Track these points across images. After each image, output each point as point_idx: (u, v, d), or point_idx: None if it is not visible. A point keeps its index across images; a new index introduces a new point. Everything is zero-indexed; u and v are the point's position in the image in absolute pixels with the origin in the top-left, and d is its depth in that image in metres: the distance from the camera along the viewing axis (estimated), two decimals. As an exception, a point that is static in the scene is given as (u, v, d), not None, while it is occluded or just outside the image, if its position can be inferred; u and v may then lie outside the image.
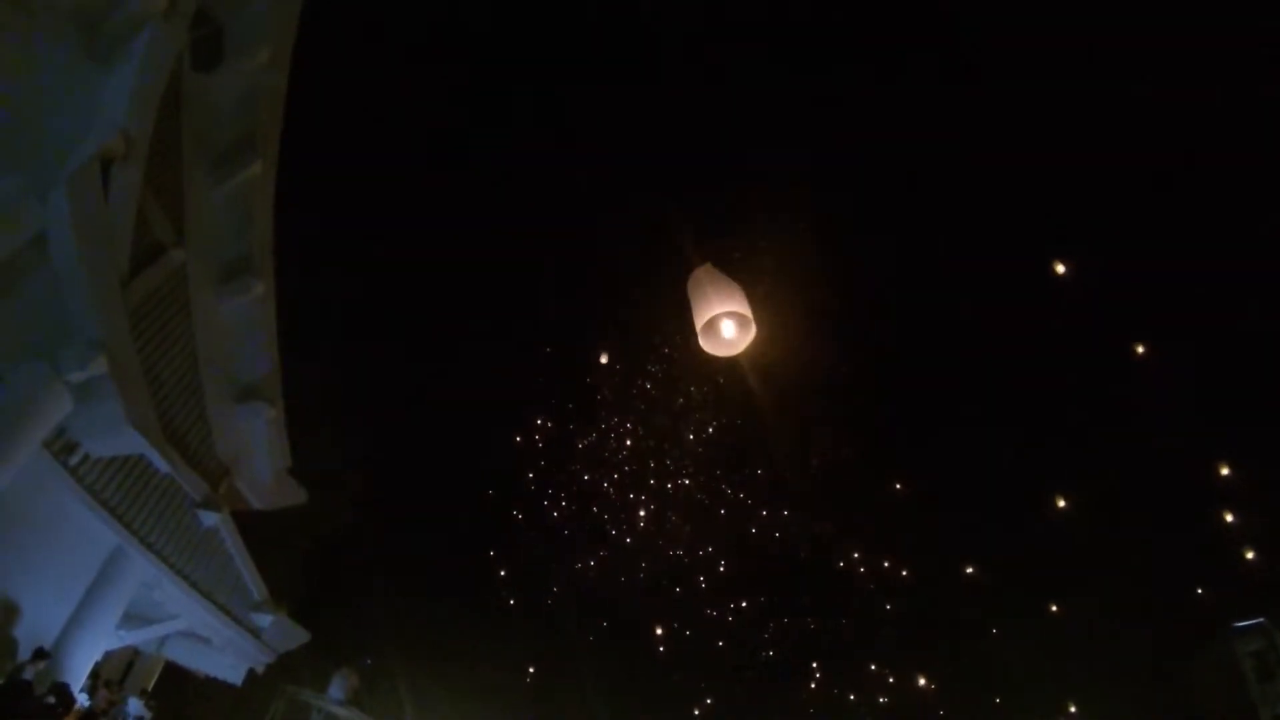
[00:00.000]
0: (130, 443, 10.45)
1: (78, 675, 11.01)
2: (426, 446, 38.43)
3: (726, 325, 7.42)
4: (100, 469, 10.76)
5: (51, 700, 9.66)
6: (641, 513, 45.24)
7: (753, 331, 7.38)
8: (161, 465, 11.32)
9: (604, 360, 38.16)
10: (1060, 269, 26.29)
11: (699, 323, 7.47)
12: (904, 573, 42.93)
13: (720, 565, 46.40)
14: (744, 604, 46.74)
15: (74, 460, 10.19)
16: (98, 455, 10.54)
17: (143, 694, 14.38)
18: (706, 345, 7.42)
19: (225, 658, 15.50)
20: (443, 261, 34.15)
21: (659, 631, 45.41)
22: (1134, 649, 31.24)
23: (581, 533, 45.30)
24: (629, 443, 43.89)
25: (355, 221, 29.32)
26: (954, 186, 30.25)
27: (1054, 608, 35.96)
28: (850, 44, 29.54)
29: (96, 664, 12.11)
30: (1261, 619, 16.67)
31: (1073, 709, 36.52)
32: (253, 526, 15.72)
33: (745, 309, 7.36)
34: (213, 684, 17.04)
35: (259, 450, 16.35)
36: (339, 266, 27.89)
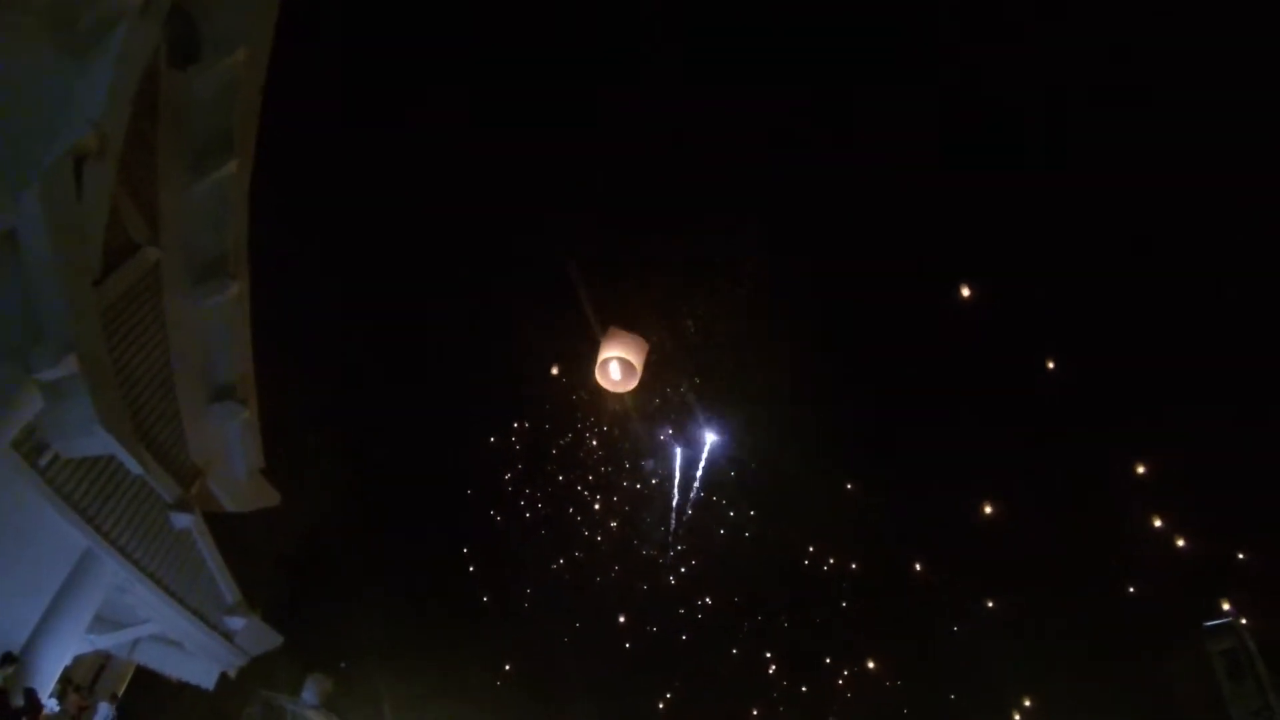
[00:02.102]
0: (101, 443, 10.29)
1: (47, 679, 10.82)
2: (402, 448, 38.30)
3: (614, 368, 9.13)
4: (70, 470, 10.60)
5: (20, 704, 9.50)
6: (612, 516, 45.85)
7: (636, 378, 9.96)
8: (133, 466, 11.15)
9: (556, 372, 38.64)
10: (967, 291, 27.40)
11: (597, 362, 9.95)
12: (855, 566, 44.03)
13: (690, 563, 47.07)
14: (709, 600, 47.49)
15: (44, 461, 10.03)
16: (68, 456, 10.38)
17: (113, 698, 14.16)
18: (601, 381, 9.95)
19: (197, 662, 15.30)
20: (421, 263, 34.07)
21: (627, 627, 46.02)
22: (1103, 648, 31.91)
23: (556, 534, 45.68)
24: (600, 450, 44.45)
25: (331, 221, 29.09)
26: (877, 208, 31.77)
27: (1015, 607, 36.82)
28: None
29: (66, 668, 11.92)
30: (1230, 617, 17.07)
31: (1027, 703, 37.18)
32: (226, 529, 15.55)
33: (634, 357, 9.76)
34: (185, 688, 16.81)
35: (232, 451, 16.17)
36: (315, 267, 27.65)
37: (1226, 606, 23.76)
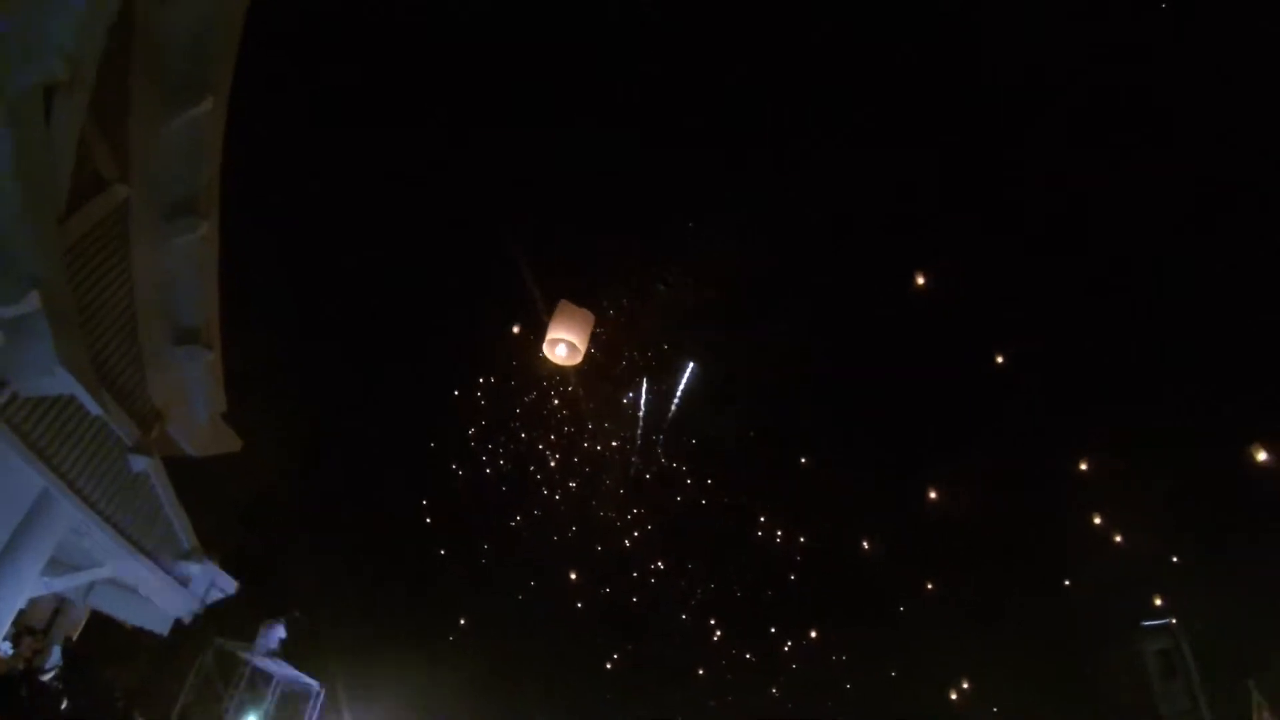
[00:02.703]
0: (62, 383, 10.05)
1: (1, 623, 10.68)
2: (365, 400, 38.07)
3: (560, 347, 10.42)
4: (29, 409, 10.35)
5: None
6: (572, 476, 46.27)
7: (580, 355, 10.57)
8: (93, 407, 10.92)
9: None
10: (921, 280, 28.15)
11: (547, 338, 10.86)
12: (804, 541, 45.38)
13: (646, 528, 47.83)
14: (661, 565, 48.43)
15: (2, 400, 9.77)
16: (27, 395, 10.12)
17: (67, 642, 14.02)
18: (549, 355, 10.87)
19: (152, 607, 15.18)
20: (396, 211, 33.56)
21: (579, 586, 46.86)
22: (1042, 638, 33.28)
23: (515, 490, 45.98)
24: (563, 410, 44.69)
25: (308, 167, 28.42)
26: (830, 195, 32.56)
27: (959, 592, 38.30)
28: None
29: (21, 611, 11.77)
30: (1170, 619, 17.82)
31: (965, 685, 38.75)
32: (185, 474, 15.36)
33: (578, 339, 11.07)
34: (140, 634, 16.70)
35: (195, 395, 15.89)
36: (286, 213, 27.04)
37: (1159, 602, 24.91)
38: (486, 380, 43.99)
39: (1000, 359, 30.66)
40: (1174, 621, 17.67)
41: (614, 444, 46.51)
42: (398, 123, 31.54)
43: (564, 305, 12.08)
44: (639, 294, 40.15)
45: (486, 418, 44.63)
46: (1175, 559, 27.92)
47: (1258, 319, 25.33)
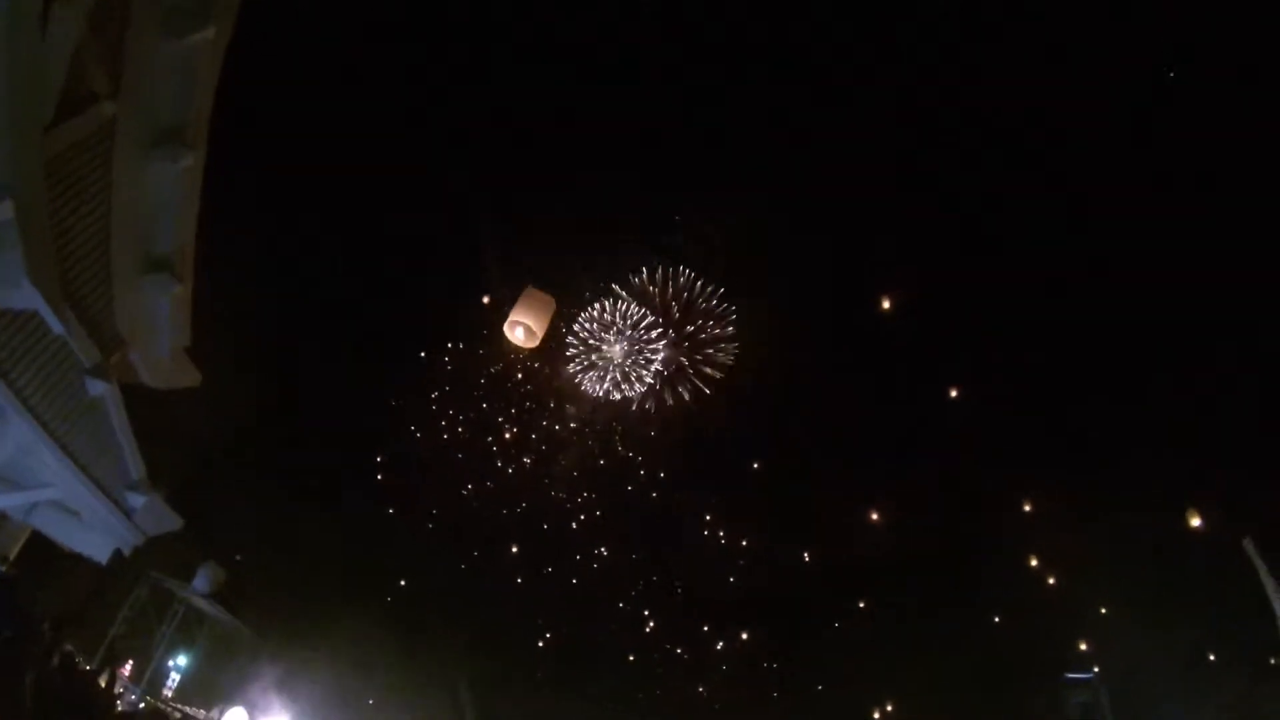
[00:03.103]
0: (26, 298, 9.86)
1: (-63, 532, 10.49)
2: (329, 351, 37.68)
3: (519, 330, 11.48)
4: (-11, 320, 10.13)
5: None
6: (527, 452, 46.26)
7: (538, 339, 11.81)
8: (55, 325, 10.72)
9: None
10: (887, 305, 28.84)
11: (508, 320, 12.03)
12: (745, 545, 46.18)
13: (595, 514, 48.03)
14: (604, 551, 48.71)
15: (-38, 308, 9.56)
16: (-11, 306, 9.91)
17: (3, 559, 13.77)
18: (509, 336, 11.95)
19: (94, 534, 14.94)
20: (383, 159, 33.20)
21: (520, 560, 47.06)
22: (969, 673, 34.15)
23: (469, 457, 45.80)
24: (526, 385, 44.67)
25: (300, 107, 27.96)
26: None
27: (891, 617, 39.26)
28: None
29: (-41, 525, 11.56)
30: (1093, 672, 18.35)
31: (889, 707, 39.68)
32: (142, 404, 15.10)
33: (537, 324, 11.61)
34: (78, 559, 16.42)
35: (160, 325, 15.63)
36: (274, 154, 26.58)
37: (1084, 648, 25.57)
38: (454, 346, 43.79)
39: (955, 393, 31.32)
40: (1097, 672, 18.22)
41: (572, 425, 46.61)
42: (396, 71, 31.27)
43: (529, 291, 12.90)
44: (610, 287, 40.52)
45: (449, 384, 44.44)
46: (1103, 610, 28.65)
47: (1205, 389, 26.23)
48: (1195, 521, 21.23)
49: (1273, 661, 24.42)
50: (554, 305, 12.77)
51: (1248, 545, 17.63)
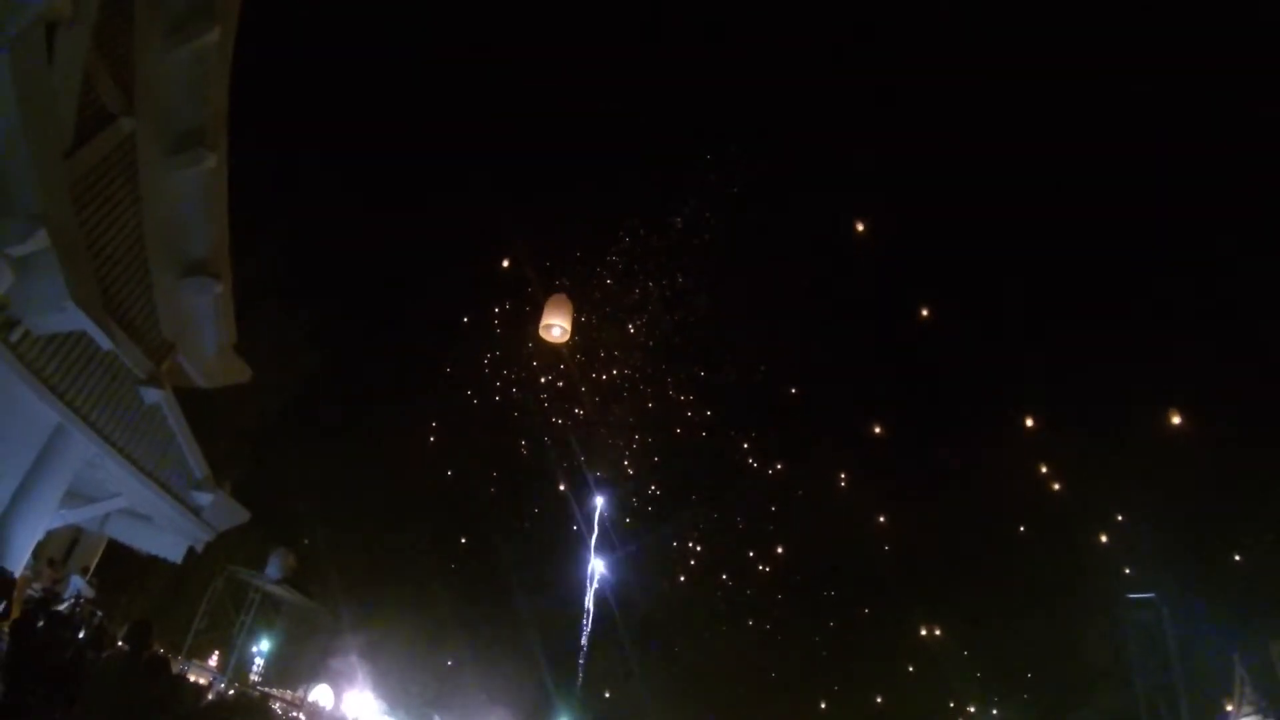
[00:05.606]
0: (72, 319, 10.11)
1: (20, 554, 10.97)
2: (374, 328, 38.10)
3: (554, 330, 13.37)
4: (41, 346, 10.41)
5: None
6: (580, 406, 45.94)
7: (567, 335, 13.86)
8: (104, 342, 11.02)
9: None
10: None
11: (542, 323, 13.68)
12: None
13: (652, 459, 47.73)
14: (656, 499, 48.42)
15: (14, 337, 9.83)
16: (39, 332, 10.18)
17: (85, 571, 14.42)
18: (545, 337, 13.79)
19: (166, 535, 15.57)
20: (404, 138, 33.01)
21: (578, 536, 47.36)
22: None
23: (518, 428, 45.87)
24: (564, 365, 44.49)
25: (314, 95, 27.81)
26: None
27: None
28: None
29: (39, 542, 12.08)
30: (1153, 593, 18.09)
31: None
32: (196, 404, 15.53)
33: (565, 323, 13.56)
34: (154, 562, 17.13)
35: (204, 326, 15.94)
36: (295, 139, 26.57)
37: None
38: (493, 319, 43.76)
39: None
40: (1156, 596, 17.96)
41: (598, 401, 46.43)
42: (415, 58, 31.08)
43: (553, 297, 13.93)
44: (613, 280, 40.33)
45: (494, 353, 44.59)
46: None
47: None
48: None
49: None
50: (571, 304, 14.59)
51: None
